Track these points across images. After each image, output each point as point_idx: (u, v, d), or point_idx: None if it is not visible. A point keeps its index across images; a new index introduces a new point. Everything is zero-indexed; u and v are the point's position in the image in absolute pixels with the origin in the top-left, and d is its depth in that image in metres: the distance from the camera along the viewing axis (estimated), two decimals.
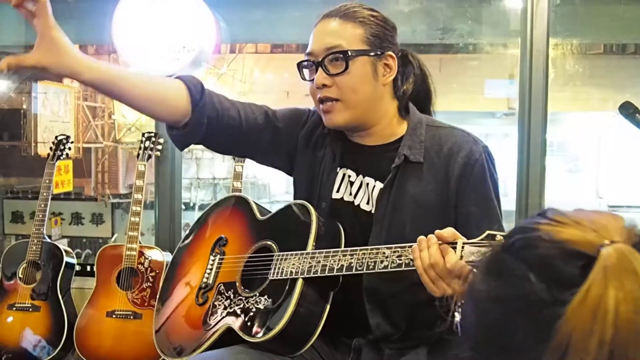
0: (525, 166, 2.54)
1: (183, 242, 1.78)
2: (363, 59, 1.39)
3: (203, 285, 1.58)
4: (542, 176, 2.54)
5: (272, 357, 1.41)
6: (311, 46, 1.41)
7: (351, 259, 1.33)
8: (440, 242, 1.21)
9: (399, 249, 1.27)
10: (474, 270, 0.65)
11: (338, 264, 1.34)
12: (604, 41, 4.99)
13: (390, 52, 1.42)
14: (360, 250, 1.33)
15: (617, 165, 6.09)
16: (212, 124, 1.42)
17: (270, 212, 1.62)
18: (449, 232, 1.21)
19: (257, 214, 1.62)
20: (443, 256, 1.18)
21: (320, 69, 1.38)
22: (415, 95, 1.50)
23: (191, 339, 1.52)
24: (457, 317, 0.68)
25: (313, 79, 1.41)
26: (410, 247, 1.25)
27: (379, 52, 1.40)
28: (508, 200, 2.75)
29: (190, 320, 1.56)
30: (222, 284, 1.55)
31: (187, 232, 1.80)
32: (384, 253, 1.29)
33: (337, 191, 1.51)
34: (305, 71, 1.45)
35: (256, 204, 1.66)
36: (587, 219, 0.58)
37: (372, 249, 1.31)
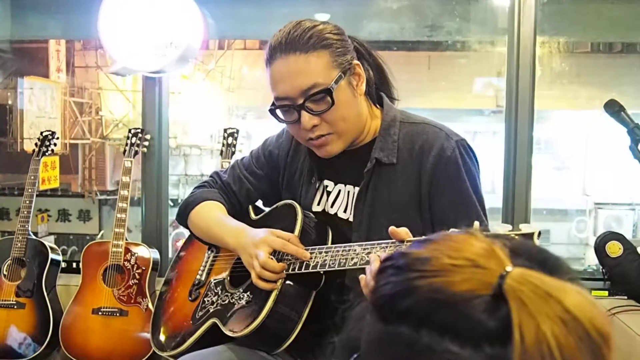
0: (512, 163, 2.55)
1: (185, 242, 1.81)
2: (341, 84, 1.31)
3: (196, 282, 1.61)
4: (529, 173, 2.55)
5: (259, 354, 1.41)
6: (282, 90, 1.31)
7: (326, 256, 1.33)
8: (395, 240, 1.19)
9: (368, 247, 1.26)
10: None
11: (314, 261, 1.34)
12: (590, 39, 5.02)
13: (355, 61, 1.35)
14: (335, 247, 1.33)
15: (604, 163, 6.14)
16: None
17: (264, 211, 1.64)
18: (403, 230, 1.18)
19: (252, 214, 1.64)
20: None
21: (303, 112, 1.30)
22: (375, 80, 1.46)
23: (179, 334, 1.54)
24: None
25: (293, 121, 1.34)
26: (379, 244, 1.24)
27: (348, 68, 1.33)
28: (495, 198, 2.77)
29: (182, 315, 1.59)
30: (212, 281, 1.57)
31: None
32: (355, 250, 1.28)
33: (318, 204, 1.50)
34: (280, 114, 1.36)
35: (253, 204, 1.68)
36: (454, 255, 0.52)
37: (345, 246, 1.31)
